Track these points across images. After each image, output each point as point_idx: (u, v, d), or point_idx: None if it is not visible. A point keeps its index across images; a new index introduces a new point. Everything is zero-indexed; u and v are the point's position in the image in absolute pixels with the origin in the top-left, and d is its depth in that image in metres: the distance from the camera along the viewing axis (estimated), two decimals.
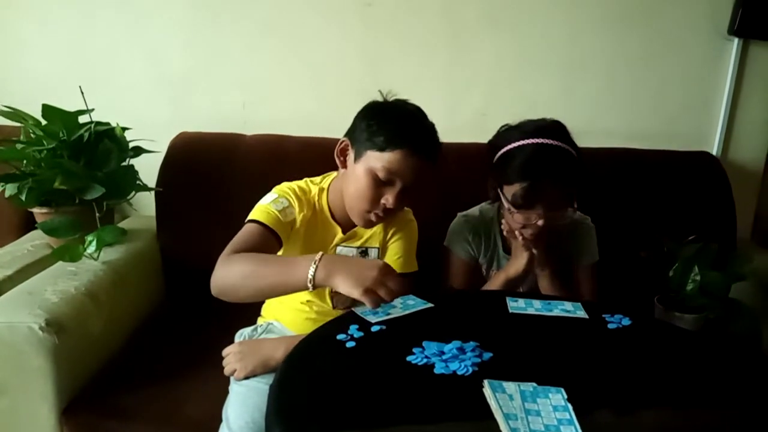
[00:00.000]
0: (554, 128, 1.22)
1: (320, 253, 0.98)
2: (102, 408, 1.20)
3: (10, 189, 1.43)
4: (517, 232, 1.21)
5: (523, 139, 1.19)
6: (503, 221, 1.28)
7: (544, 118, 1.25)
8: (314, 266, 0.96)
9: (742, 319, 1.31)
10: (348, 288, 0.94)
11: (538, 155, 1.17)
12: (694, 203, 1.61)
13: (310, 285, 0.96)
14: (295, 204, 1.20)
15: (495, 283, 1.29)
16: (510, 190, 1.20)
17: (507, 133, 1.25)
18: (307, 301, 1.25)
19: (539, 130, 1.20)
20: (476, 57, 1.77)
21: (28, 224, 1.66)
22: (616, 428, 0.74)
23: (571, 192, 1.20)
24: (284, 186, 1.25)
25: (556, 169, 1.16)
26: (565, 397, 0.76)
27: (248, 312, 1.32)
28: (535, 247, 1.22)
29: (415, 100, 1.20)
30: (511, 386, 0.77)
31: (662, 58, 1.75)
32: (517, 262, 1.25)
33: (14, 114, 1.48)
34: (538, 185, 1.16)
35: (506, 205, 1.21)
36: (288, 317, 1.28)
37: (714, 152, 1.77)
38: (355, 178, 1.15)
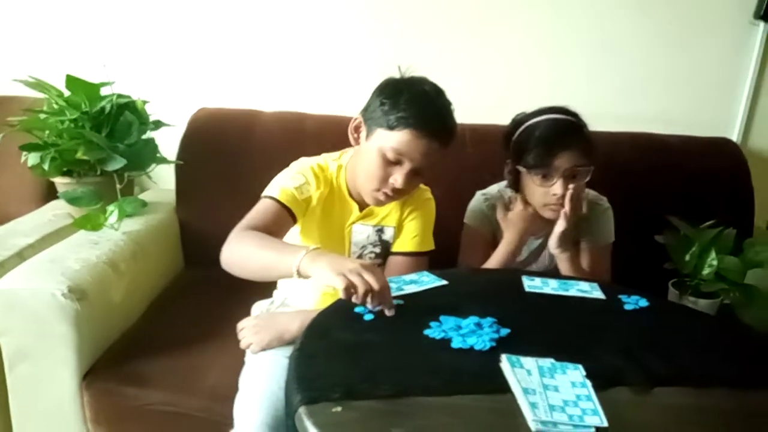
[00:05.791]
0: (567, 109, 1.30)
1: (315, 246, 0.96)
2: (121, 375, 1.22)
3: (32, 158, 1.44)
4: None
5: (539, 116, 1.28)
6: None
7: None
8: (303, 254, 0.93)
9: (757, 305, 1.31)
10: (324, 273, 0.89)
11: (555, 125, 1.26)
12: (712, 189, 1.60)
13: (294, 272, 0.93)
14: (313, 181, 1.20)
15: (496, 254, 1.31)
16: (529, 161, 1.26)
17: (523, 117, 1.32)
18: None
19: (553, 109, 1.29)
20: (501, 38, 1.75)
21: (49, 194, 1.68)
22: (634, 406, 0.75)
23: (586, 164, 1.25)
24: (303, 162, 1.24)
25: (571, 137, 1.25)
26: (584, 373, 0.77)
27: (265, 284, 1.33)
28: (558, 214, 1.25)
29: (436, 81, 1.17)
30: (529, 361, 0.78)
31: (686, 43, 1.72)
32: (512, 231, 1.30)
33: (38, 84, 1.49)
34: (554, 149, 1.22)
35: (524, 171, 1.27)
36: (304, 291, 1.29)
37: (735, 139, 1.75)
38: (365, 156, 1.14)
